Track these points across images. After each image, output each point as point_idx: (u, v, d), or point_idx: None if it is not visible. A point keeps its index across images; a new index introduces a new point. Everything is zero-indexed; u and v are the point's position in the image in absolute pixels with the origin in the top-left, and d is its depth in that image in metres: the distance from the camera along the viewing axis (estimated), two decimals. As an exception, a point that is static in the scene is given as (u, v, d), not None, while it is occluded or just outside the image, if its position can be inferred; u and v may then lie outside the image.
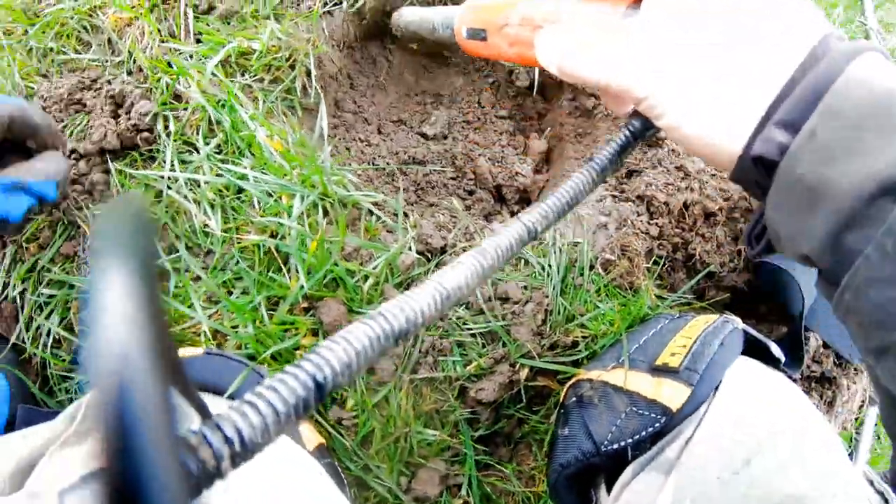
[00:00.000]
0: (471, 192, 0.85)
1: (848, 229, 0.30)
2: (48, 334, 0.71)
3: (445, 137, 0.91)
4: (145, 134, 0.76)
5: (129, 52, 0.83)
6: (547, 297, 0.70)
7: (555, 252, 0.72)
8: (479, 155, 0.86)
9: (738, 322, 0.63)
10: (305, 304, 0.67)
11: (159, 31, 0.81)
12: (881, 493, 0.52)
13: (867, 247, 0.28)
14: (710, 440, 0.51)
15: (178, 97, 0.78)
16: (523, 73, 0.89)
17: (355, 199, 0.70)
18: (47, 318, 0.72)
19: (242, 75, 0.78)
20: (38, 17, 0.88)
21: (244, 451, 0.22)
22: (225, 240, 0.70)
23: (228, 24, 0.80)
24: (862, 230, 0.29)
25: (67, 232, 0.75)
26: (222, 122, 0.75)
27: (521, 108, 0.93)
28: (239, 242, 0.70)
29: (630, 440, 0.56)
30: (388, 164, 0.81)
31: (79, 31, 0.86)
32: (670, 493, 0.49)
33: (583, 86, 0.45)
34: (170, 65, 0.80)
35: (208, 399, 0.59)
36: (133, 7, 0.83)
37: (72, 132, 0.79)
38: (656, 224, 0.71)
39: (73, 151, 0.77)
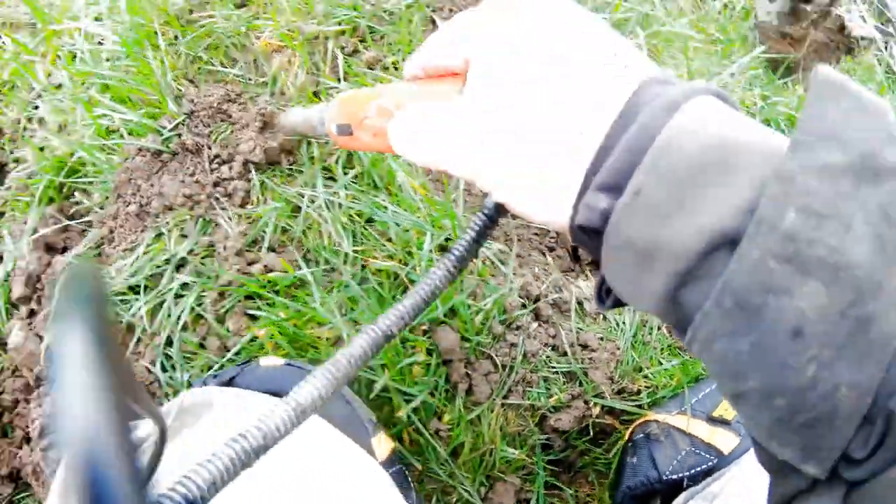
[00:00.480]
0: (551, 249, 0.97)
1: (685, 286, 0.29)
2: (178, 320, 0.80)
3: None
4: (289, 155, 0.86)
5: (274, 76, 0.93)
6: (619, 349, 0.83)
7: (629, 311, 0.85)
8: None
9: None
10: (425, 327, 0.78)
11: (310, 63, 0.92)
12: None
13: (705, 303, 0.27)
14: (743, 478, 0.64)
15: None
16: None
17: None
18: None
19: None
20: (190, 25, 0.97)
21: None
22: (355, 261, 0.81)
23: (372, 70, 0.92)
24: (698, 286, 0.28)
25: (207, 227, 0.84)
26: (361, 156, 0.86)
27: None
28: (365, 265, 0.81)
29: (688, 473, 0.71)
30: (531, 236, 0.93)
31: (228, 47, 0.96)
32: None
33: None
34: (316, 94, 0.90)
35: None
36: (287, 34, 0.93)
37: (216, 138, 0.88)
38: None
39: (216, 157, 0.87)
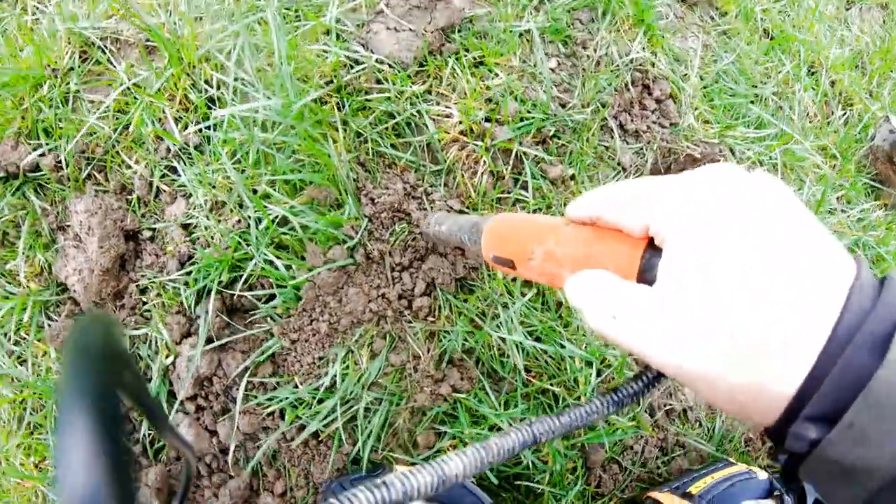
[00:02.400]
0: None
1: (881, 494, 0.31)
2: (369, 434, 0.90)
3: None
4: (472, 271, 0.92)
5: (449, 167, 0.93)
6: (706, 451, 1.04)
7: (720, 420, 1.06)
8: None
9: (761, 475, 0.94)
10: (578, 444, 0.94)
11: (493, 167, 0.93)
12: None
13: None
14: None
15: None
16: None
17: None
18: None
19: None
20: (355, 95, 0.91)
21: None
22: (524, 379, 0.93)
23: (555, 185, 0.94)
24: (888, 498, 0.31)
25: (395, 343, 0.90)
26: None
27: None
28: (529, 383, 0.93)
29: None
30: None
31: (402, 127, 0.92)
32: None
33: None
34: (498, 201, 0.93)
35: None
36: (470, 129, 0.92)
37: (394, 241, 0.91)
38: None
39: (398, 264, 0.90)
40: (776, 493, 0.96)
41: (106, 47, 0.97)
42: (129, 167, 0.98)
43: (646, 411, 0.99)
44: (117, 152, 1.00)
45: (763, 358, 0.33)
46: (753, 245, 0.34)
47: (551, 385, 0.93)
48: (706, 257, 0.35)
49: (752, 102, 1.20)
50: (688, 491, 0.94)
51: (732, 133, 1.13)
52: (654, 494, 0.98)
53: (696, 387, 0.36)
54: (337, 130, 0.91)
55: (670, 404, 1.02)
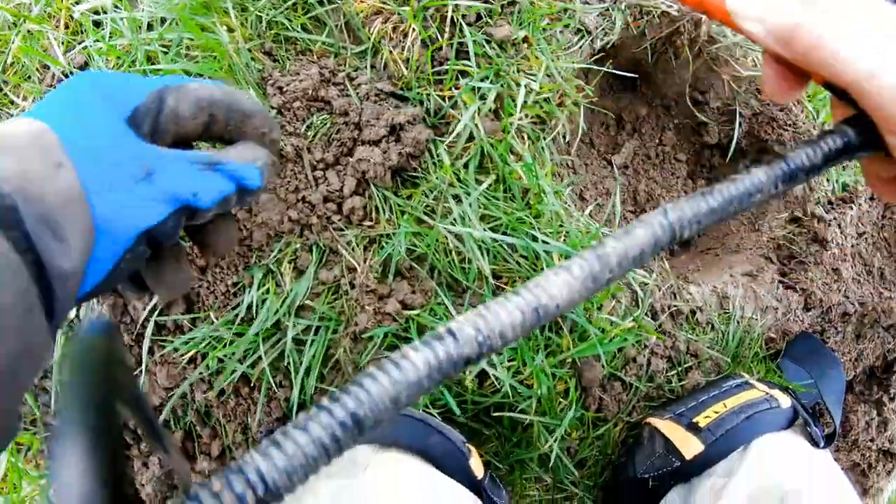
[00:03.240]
0: (671, 253, 0.96)
1: None
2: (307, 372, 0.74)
3: (626, 167, 0.98)
4: (413, 161, 0.75)
5: (374, 45, 0.77)
6: (722, 359, 0.87)
7: (734, 322, 0.88)
8: (659, 195, 0.96)
9: (784, 402, 0.78)
10: (569, 361, 0.78)
11: (426, 35, 0.76)
12: None
13: None
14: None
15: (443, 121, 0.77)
16: (714, 130, 0.97)
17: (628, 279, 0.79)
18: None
19: (513, 114, 0.78)
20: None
21: (269, 495, 0.21)
22: (493, 286, 0.76)
23: (504, 50, 0.77)
24: None
25: (324, 256, 0.74)
26: (496, 162, 0.76)
27: (697, 156, 1.01)
28: (502, 289, 0.76)
29: (654, 473, 0.77)
30: (615, 211, 0.88)
31: (311, 5, 0.76)
32: None
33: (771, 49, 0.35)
34: (437, 76, 0.76)
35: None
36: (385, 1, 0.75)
37: (314, 135, 0.74)
38: (809, 314, 0.90)
39: (319, 161, 0.74)
40: (799, 421, 0.78)
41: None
42: (16, 105, 0.84)
43: (647, 314, 0.82)
44: (5, 94, 0.87)
45: None
46: None
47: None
48: None
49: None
50: (694, 421, 0.78)
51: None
52: (654, 421, 0.81)
53: None
54: (228, 15, 0.75)
55: (675, 305, 0.85)
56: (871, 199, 0.97)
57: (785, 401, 0.78)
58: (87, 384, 0.23)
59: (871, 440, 0.94)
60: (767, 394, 0.79)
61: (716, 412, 0.77)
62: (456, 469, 0.68)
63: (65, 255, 0.32)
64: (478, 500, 0.68)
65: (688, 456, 0.75)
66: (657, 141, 0.99)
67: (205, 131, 0.43)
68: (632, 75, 0.95)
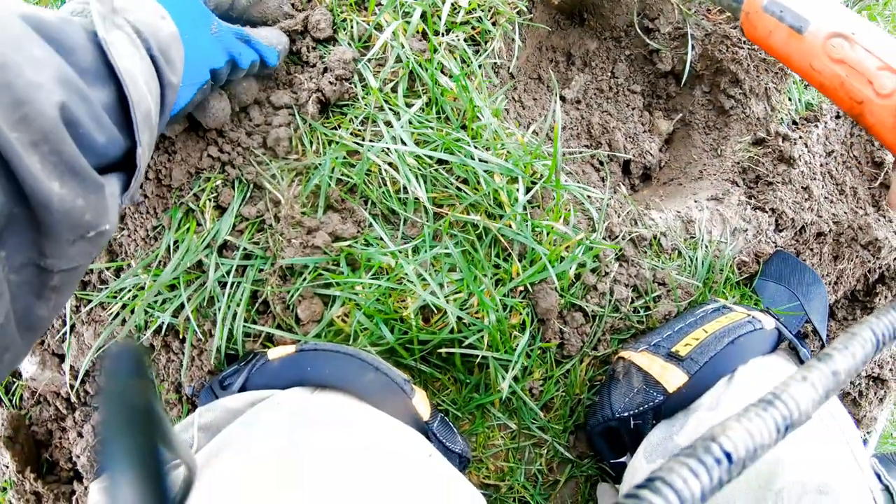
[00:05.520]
0: (601, 163, 0.91)
1: None
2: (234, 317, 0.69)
3: (579, 102, 0.93)
4: (339, 85, 0.71)
5: (293, -28, 0.73)
6: (692, 286, 0.81)
7: (703, 247, 0.83)
8: (615, 128, 0.91)
9: (767, 323, 0.71)
10: (522, 289, 0.72)
11: (341, -41, 0.72)
12: (887, 487, 0.62)
13: None
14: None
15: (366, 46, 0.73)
16: (667, 57, 0.93)
17: (571, 190, 0.74)
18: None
19: (446, 33, 0.74)
20: None
21: None
22: (433, 214, 0.71)
23: (426, -32, 0.74)
24: None
25: (248, 192, 0.70)
26: (426, 83, 0.72)
27: (652, 87, 0.97)
28: (441, 218, 0.71)
29: (635, 411, 0.69)
30: (581, 148, 0.83)
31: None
32: None
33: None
34: (358, 4, 0.73)
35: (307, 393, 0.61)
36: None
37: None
38: (781, 235, 0.85)
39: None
40: (784, 342, 0.72)
41: None
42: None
43: (605, 237, 0.77)
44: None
45: None
46: None
47: (467, 214, 0.71)
48: None
49: None
50: (674, 350, 0.71)
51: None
52: (628, 354, 0.74)
53: None
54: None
55: (636, 231, 0.79)
56: (838, 116, 0.93)
57: (768, 322, 0.72)
58: (136, 441, 0.24)
59: (861, 368, 0.88)
60: (749, 315, 0.73)
61: (696, 339, 0.70)
62: (396, 408, 0.62)
63: (173, 73, 0.50)
64: (423, 437, 0.62)
65: (670, 388, 0.67)
66: (609, 74, 0.95)
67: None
68: (577, 9, 0.91)
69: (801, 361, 0.70)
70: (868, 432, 1.06)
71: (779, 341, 0.71)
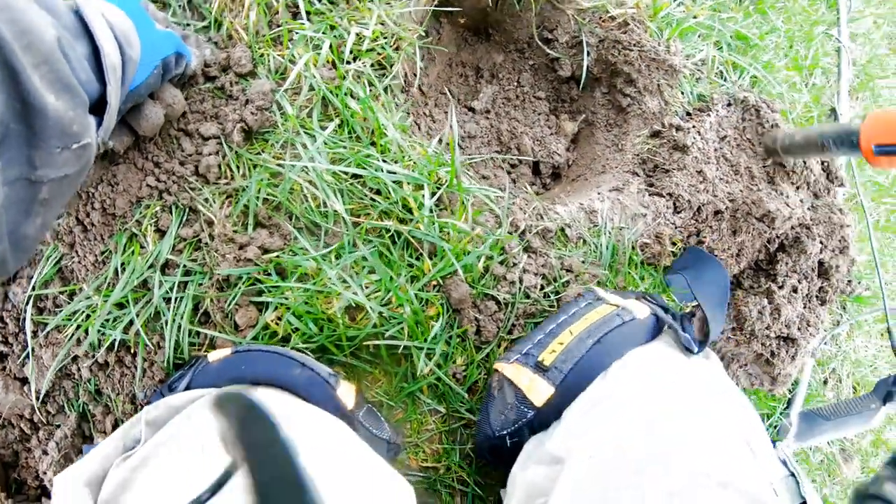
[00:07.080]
0: (514, 166, 1.00)
1: None
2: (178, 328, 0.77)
3: (489, 112, 1.02)
4: (260, 115, 0.79)
5: (216, 18, 0.82)
6: (598, 270, 0.90)
7: (605, 234, 0.92)
8: (522, 133, 1.00)
9: (640, 311, 0.73)
10: (436, 283, 0.81)
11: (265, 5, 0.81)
12: (793, 474, 0.61)
13: None
14: (609, 448, 0.56)
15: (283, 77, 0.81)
16: (567, 64, 1.02)
17: (474, 192, 0.83)
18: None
19: (353, 61, 0.83)
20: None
21: None
22: (351, 223, 0.79)
23: (335, 5, 0.83)
24: None
25: (184, 215, 0.78)
26: (337, 107, 0.80)
27: (556, 92, 1.06)
28: (358, 226, 0.80)
29: (510, 429, 0.70)
30: (492, 153, 0.92)
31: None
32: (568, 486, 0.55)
33: None
34: (275, 41, 0.81)
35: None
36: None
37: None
38: (680, 217, 0.93)
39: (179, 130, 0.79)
40: (665, 326, 0.75)
41: None
42: None
43: (511, 231, 0.85)
44: None
45: None
46: None
47: (381, 220, 0.79)
48: None
49: None
50: (539, 360, 0.71)
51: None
52: (501, 367, 0.76)
53: None
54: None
55: (541, 224, 0.88)
56: (729, 105, 1.02)
57: (641, 310, 0.74)
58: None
59: (768, 328, 0.96)
60: (618, 306, 0.74)
61: (561, 343, 0.71)
62: (322, 399, 0.69)
63: (132, 51, 0.61)
64: (347, 426, 0.69)
65: (538, 403, 0.67)
66: (516, 83, 1.04)
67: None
68: (483, 26, 1.00)
69: (684, 346, 0.72)
70: (790, 390, 1.15)
71: (659, 326, 0.74)
